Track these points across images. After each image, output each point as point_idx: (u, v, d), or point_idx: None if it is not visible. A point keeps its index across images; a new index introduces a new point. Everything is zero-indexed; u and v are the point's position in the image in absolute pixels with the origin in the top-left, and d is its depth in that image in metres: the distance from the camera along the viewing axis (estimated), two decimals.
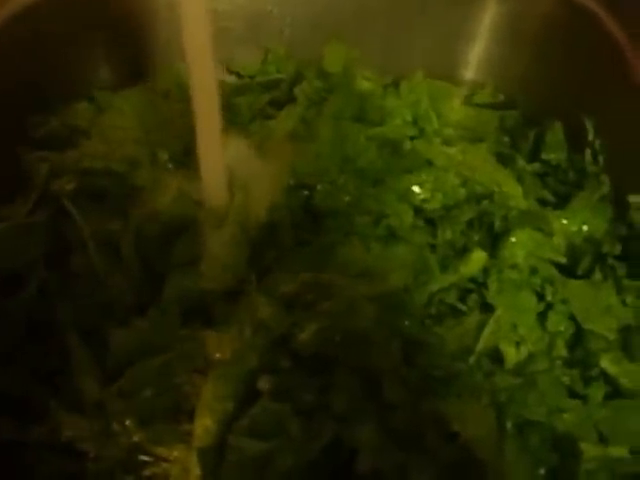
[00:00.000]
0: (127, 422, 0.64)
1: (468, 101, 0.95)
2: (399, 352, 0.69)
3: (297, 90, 0.87)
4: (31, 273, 0.72)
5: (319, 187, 0.77)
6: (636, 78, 0.76)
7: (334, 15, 0.91)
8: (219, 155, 0.68)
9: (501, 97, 0.96)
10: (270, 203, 0.74)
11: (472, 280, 0.77)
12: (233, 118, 0.85)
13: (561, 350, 0.74)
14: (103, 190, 0.76)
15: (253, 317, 0.67)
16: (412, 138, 0.87)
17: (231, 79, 0.96)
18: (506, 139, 0.92)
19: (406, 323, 0.72)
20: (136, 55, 0.90)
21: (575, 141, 0.86)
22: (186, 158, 0.76)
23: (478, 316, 0.74)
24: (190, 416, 0.64)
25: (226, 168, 0.70)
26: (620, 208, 0.80)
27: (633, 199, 0.78)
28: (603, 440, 0.70)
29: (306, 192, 0.78)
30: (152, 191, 0.74)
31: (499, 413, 0.69)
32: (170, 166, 0.78)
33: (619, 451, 0.69)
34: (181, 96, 0.80)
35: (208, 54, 0.60)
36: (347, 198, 0.77)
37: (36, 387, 0.67)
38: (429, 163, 0.83)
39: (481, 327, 0.73)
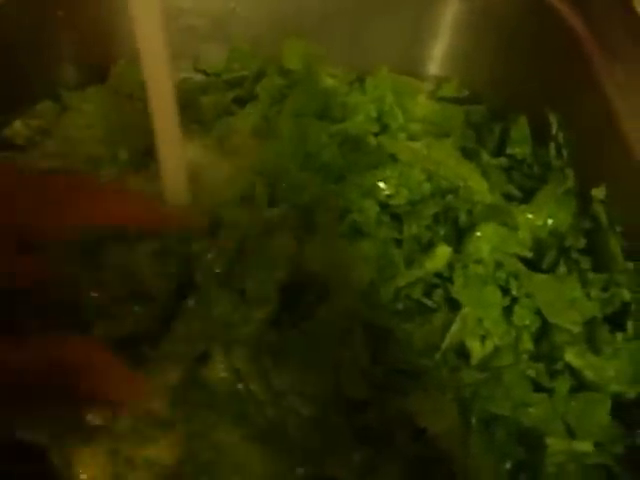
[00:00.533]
0: None
1: (433, 96, 0.95)
2: (364, 347, 0.68)
3: (259, 87, 0.86)
4: None
5: (280, 184, 0.76)
6: (598, 73, 0.76)
7: (299, 12, 0.90)
8: (179, 155, 0.67)
9: (465, 92, 0.96)
10: (232, 202, 0.73)
11: (438, 275, 0.77)
12: (198, 116, 0.85)
13: (527, 344, 0.74)
14: None
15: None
16: (377, 134, 0.86)
17: (198, 77, 0.95)
18: (472, 134, 0.92)
19: (372, 318, 0.71)
20: (102, 54, 0.89)
21: (540, 135, 0.86)
22: (147, 158, 0.75)
23: (445, 313, 0.74)
24: None
25: (186, 168, 0.70)
26: (584, 202, 0.80)
27: (596, 192, 0.78)
28: (570, 433, 0.70)
29: (269, 190, 0.77)
30: None
31: (464, 408, 0.69)
32: (131, 166, 0.77)
33: (584, 445, 0.69)
34: (144, 96, 0.79)
35: (163, 54, 0.59)
36: (309, 195, 0.76)
37: None
38: (394, 158, 0.83)
39: (448, 325, 0.73)
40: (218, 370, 0.65)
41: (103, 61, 0.89)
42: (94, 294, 0.69)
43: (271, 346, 0.67)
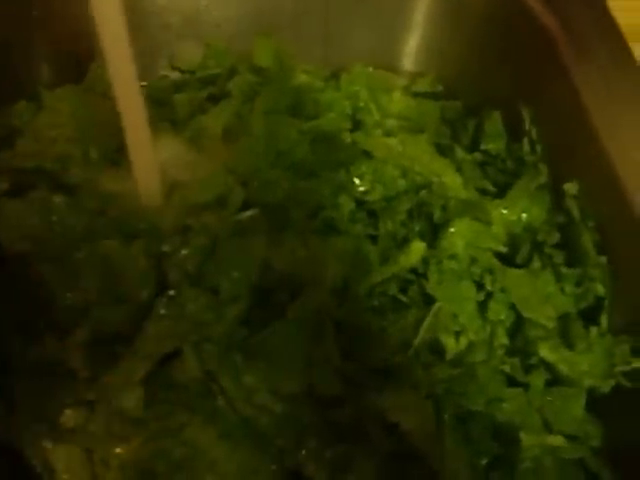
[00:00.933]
0: None
1: (408, 91, 0.95)
2: (335, 345, 0.69)
3: (231, 85, 0.86)
4: None
5: (253, 183, 0.76)
6: (570, 69, 0.77)
7: (273, 8, 0.90)
8: (150, 155, 0.67)
9: (440, 87, 0.96)
10: (205, 203, 0.73)
11: (413, 271, 0.77)
12: (172, 115, 0.85)
13: (502, 339, 0.74)
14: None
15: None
16: (351, 130, 0.86)
17: (175, 75, 0.95)
18: (446, 130, 0.92)
19: (345, 315, 0.71)
20: (80, 53, 0.89)
21: (514, 131, 0.87)
22: (119, 156, 0.75)
23: (419, 309, 0.74)
24: None
25: (159, 168, 0.70)
26: (557, 197, 0.80)
27: (568, 188, 0.78)
28: (546, 427, 0.71)
29: (241, 189, 0.77)
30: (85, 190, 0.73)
31: (438, 404, 0.69)
32: (102, 165, 0.77)
33: (557, 440, 0.70)
34: None
35: (127, 54, 0.59)
36: (281, 193, 0.76)
37: None
38: (368, 155, 0.83)
39: (421, 320, 0.73)
40: (190, 368, 0.65)
41: (81, 60, 0.88)
42: (70, 295, 0.69)
43: (242, 344, 0.67)
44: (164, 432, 0.64)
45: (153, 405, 0.64)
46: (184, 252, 0.70)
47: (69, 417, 0.65)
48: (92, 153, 0.77)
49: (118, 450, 0.64)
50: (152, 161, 0.68)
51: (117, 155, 0.75)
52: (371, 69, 0.93)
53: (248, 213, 0.74)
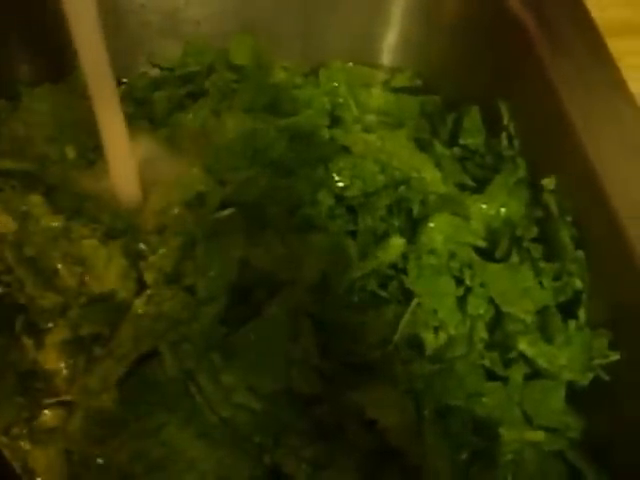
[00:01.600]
0: None
1: (387, 86, 0.95)
2: (314, 343, 0.69)
3: (208, 83, 0.86)
4: None
5: (230, 181, 0.76)
6: (547, 65, 0.77)
7: (251, 5, 0.90)
8: (127, 155, 0.67)
9: (418, 82, 0.96)
10: (182, 200, 0.74)
11: (392, 266, 0.77)
12: (151, 113, 0.85)
13: (481, 333, 0.74)
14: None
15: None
16: (330, 126, 0.86)
17: (155, 72, 0.95)
18: (425, 124, 0.92)
19: (323, 312, 0.72)
20: (62, 52, 0.88)
21: (493, 126, 0.87)
22: (96, 156, 0.75)
23: (397, 305, 0.74)
24: None
25: (136, 166, 0.70)
26: (535, 192, 0.81)
27: (546, 182, 0.78)
28: (527, 420, 0.71)
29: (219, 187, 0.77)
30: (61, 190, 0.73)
31: (417, 400, 0.69)
32: (79, 164, 0.77)
33: (537, 435, 0.70)
34: None
35: (101, 53, 0.59)
36: (259, 191, 0.76)
37: None
38: (347, 151, 0.83)
39: (400, 316, 0.73)
40: (167, 368, 0.65)
41: (63, 59, 0.88)
42: (47, 296, 0.69)
43: (220, 343, 0.67)
44: (143, 433, 0.64)
45: (131, 405, 0.64)
46: (161, 251, 0.70)
47: (48, 418, 0.66)
48: (69, 153, 0.77)
49: (97, 451, 0.64)
50: (129, 160, 0.68)
51: (94, 154, 0.75)
52: (351, 64, 0.94)
53: (226, 212, 0.74)
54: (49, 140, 0.78)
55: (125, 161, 0.68)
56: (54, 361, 0.67)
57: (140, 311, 0.67)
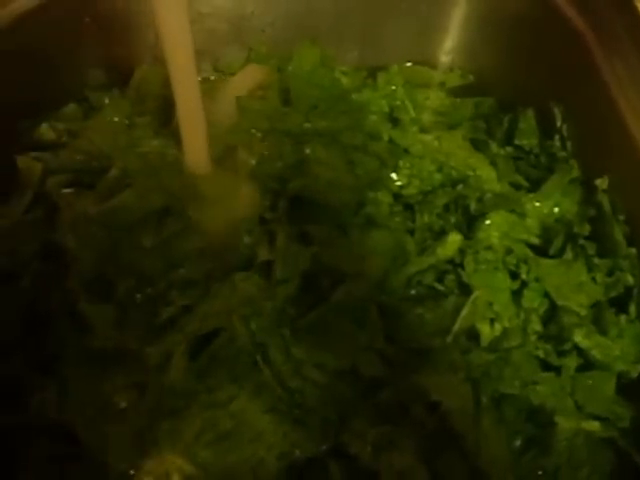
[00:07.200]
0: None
1: (442, 88, 0.99)
2: (379, 328, 0.72)
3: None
4: (26, 268, 0.75)
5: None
6: (599, 67, 0.79)
7: (312, 13, 0.94)
8: (200, 122, 0.72)
9: (471, 77, 1.00)
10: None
11: (449, 261, 0.80)
12: None
13: (536, 325, 0.77)
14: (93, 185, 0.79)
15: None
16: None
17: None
18: (481, 125, 0.95)
19: (386, 301, 0.75)
20: (125, 58, 0.92)
21: (546, 128, 0.89)
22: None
23: (456, 298, 0.77)
24: None
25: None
26: (588, 191, 0.83)
27: (599, 183, 0.81)
28: (578, 409, 0.73)
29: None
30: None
31: (475, 388, 0.72)
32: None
33: (592, 425, 0.72)
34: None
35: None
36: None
37: (32, 374, 0.70)
38: (405, 151, 0.86)
39: (459, 309, 0.76)
40: (239, 339, 0.69)
41: (127, 64, 0.92)
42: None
43: (291, 323, 0.71)
44: (212, 404, 0.67)
45: (202, 379, 0.68)
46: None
47: (122, 397, 0.69)
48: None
49: (168, 425, 0.67)
50: (203, 129, 0.73)
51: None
52: (409, 64, 0.98)
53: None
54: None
55: (198, 129, 0.72)
56: (132, 344, 0.70)
57: (215, 291, 0.72)
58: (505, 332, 0.76)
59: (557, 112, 0.87)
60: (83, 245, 0.74)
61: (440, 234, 0.82)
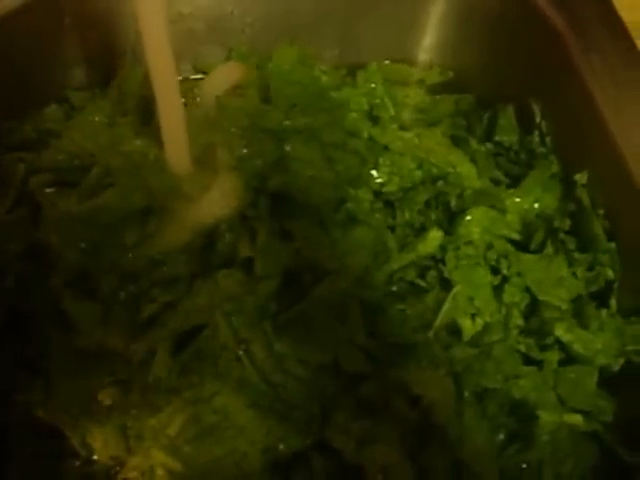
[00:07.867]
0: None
1: (422, 85, 0.99)
2: (361, 324, 0.72)
3: None
4: (10, 267, 0.75)
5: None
6: (577, 64, 0.80)
7: (292, 13, 0.94)
8: (180, 120, 0.72)
9: (450, 74, 1.00)
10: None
11: (431, 257, 0.80)
12: None
13: (517, 320, 0.77)
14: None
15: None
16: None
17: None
18: (461, 122, 0.95)
19: (367, 297, 0.75)
20: (107, 58, 0.92)
21: (525, 124, 0.90)
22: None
23: (437, 293, 0.77)
24: None
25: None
26: (568, 186, 0.84)
27: (579, 177, 0.82)
28: (561, 403, 0.74)
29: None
30: None
31: (457, 382, 0.72)
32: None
33: (574, 418, 0.73)
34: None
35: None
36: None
37: (18, 372, 0.71)
38: (385, 148, 0.86)
39: (440, 303, 0.76)
40: (221, 336, 0.69)
41: (108, 64, 0.92)
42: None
43: (273, 319, 0.71)
44: (196, 400, 0.67)
45: (185, 375, 0.68)
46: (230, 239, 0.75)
47: (106, 395, 0.69)
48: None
49: (152, 421, 0.67)
50: (182, 128, 0.73)
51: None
52: (387, 62, 0.98)
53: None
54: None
55: (178, 128, 0.73)
56: (116, 342, 0.70)
57: (197, 289, 0.72)
58: (487, 327, 0.77)
59: (536, 109, 0.88)
60: (66, 244, 0.74)
61: (421, 230, 0.82)
